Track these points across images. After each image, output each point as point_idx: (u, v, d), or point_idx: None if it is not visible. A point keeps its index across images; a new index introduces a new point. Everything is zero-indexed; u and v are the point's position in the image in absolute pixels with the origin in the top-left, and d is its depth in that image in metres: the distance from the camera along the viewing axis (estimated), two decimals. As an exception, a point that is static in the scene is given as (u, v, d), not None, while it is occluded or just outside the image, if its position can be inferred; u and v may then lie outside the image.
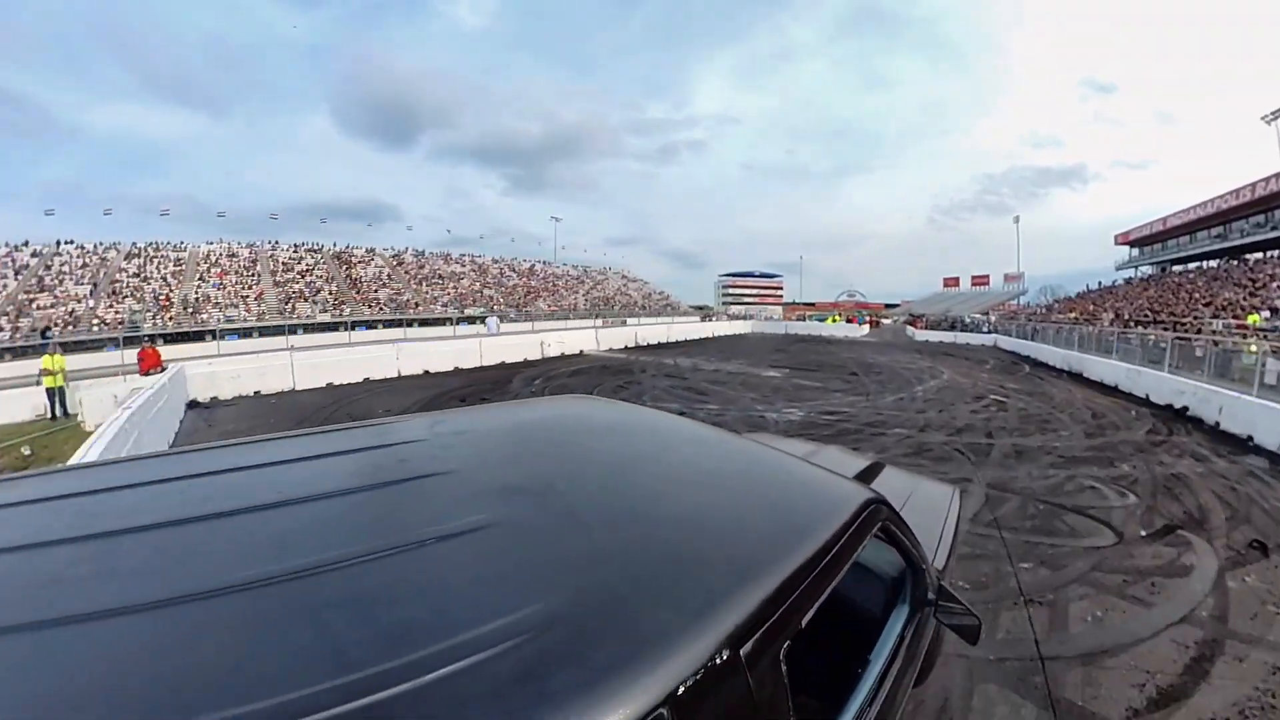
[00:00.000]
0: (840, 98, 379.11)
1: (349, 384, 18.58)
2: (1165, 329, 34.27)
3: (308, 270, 60.96)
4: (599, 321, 38.48)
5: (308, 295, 57.14)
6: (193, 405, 15.22)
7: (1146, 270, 65.75)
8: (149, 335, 30.56)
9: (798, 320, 63.42)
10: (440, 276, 66.49)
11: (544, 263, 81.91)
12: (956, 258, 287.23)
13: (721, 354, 28.13)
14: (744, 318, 60.13)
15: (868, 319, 61.76)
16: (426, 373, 20.82)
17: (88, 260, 55.29)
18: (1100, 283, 65.36)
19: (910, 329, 51.04)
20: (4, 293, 46.31)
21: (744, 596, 1.22)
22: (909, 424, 12.19)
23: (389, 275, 63.47)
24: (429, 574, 1.18)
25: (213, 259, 60.39)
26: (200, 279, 56.79)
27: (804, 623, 1.35)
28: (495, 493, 1.56)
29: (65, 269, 53.33)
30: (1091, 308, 51.79)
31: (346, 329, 32.49)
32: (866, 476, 3.70)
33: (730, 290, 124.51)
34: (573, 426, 2.42)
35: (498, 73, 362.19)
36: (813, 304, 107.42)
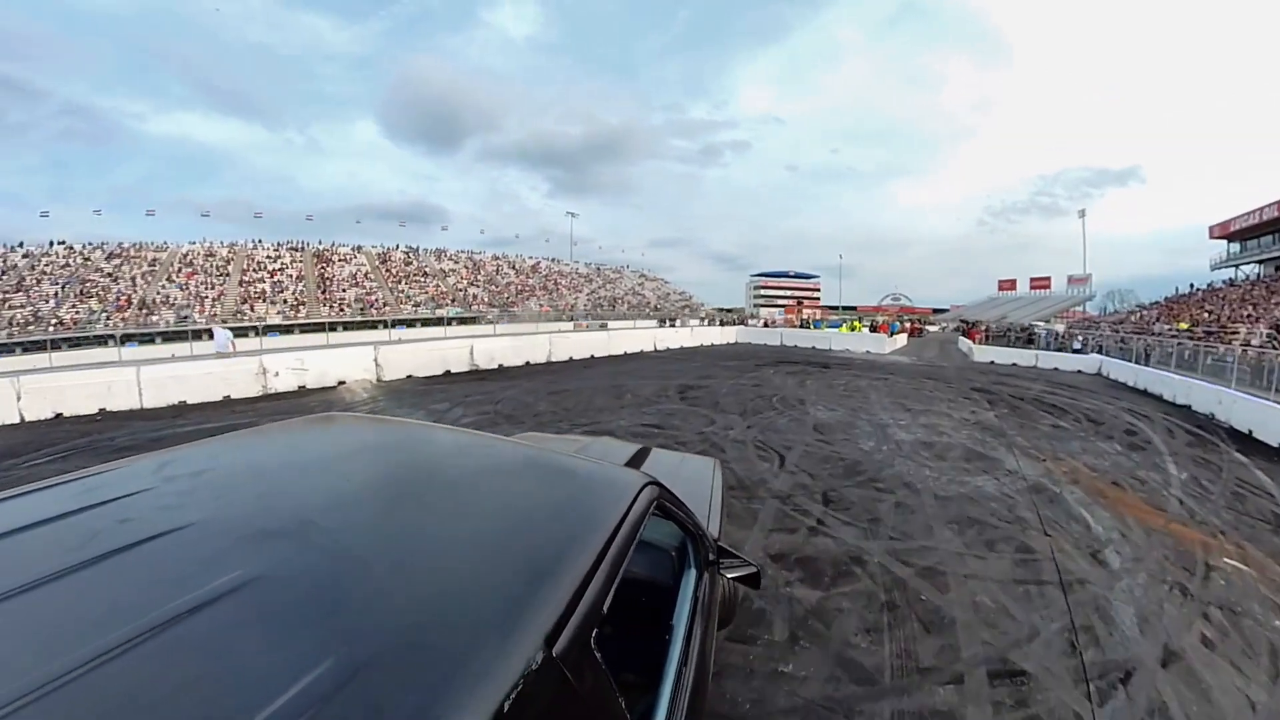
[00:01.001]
0: (886, 96, 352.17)
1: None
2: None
3: (279, 270, 50.36)
4: (391, 334, 23.58)
5: (269, 295, 46.97)
6: None
7: (1250, 269, 47.35)
8: None
9: (800, 327, 40.07)
10: (425, 274, 54.38)
11: (552, 260, 68.29)
12: (1008, 261, 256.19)
13: (549, 404, 12.32)
14: (733, 323, 41.46)
15: (904, 326, 41.77)
16: (59, 416, 11.71)
17: (71, 261, 47.98)
18: (1193, 285, 47.72)
19: (967, 342, 31.26)
20: (-19, 292, 39.86)
21: (545, 597, 1.09)
22: None
23: (366, 274, 51.95)
24: (182, 663, 0.85)
25: (190, 259, 51.17)
26: (169, 279, 47.90)
27: (605, 608, 1.22)
28: (249, 541, 1.19)
29: (48, 269, 46.31)
30: (1207, 315, 34.81)
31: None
32: (636, 461, 3.62)
33: (762, 292, 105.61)
34: (327, 452, 1.91)
35: (541, 77, 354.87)
36: (853, 307, 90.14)
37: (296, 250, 53.79)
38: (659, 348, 25.84)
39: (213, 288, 47.95)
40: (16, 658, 0.81)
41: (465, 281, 55.12)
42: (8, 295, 42.08)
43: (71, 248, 50.38)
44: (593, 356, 21.86)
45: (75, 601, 0.97)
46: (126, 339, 31.83)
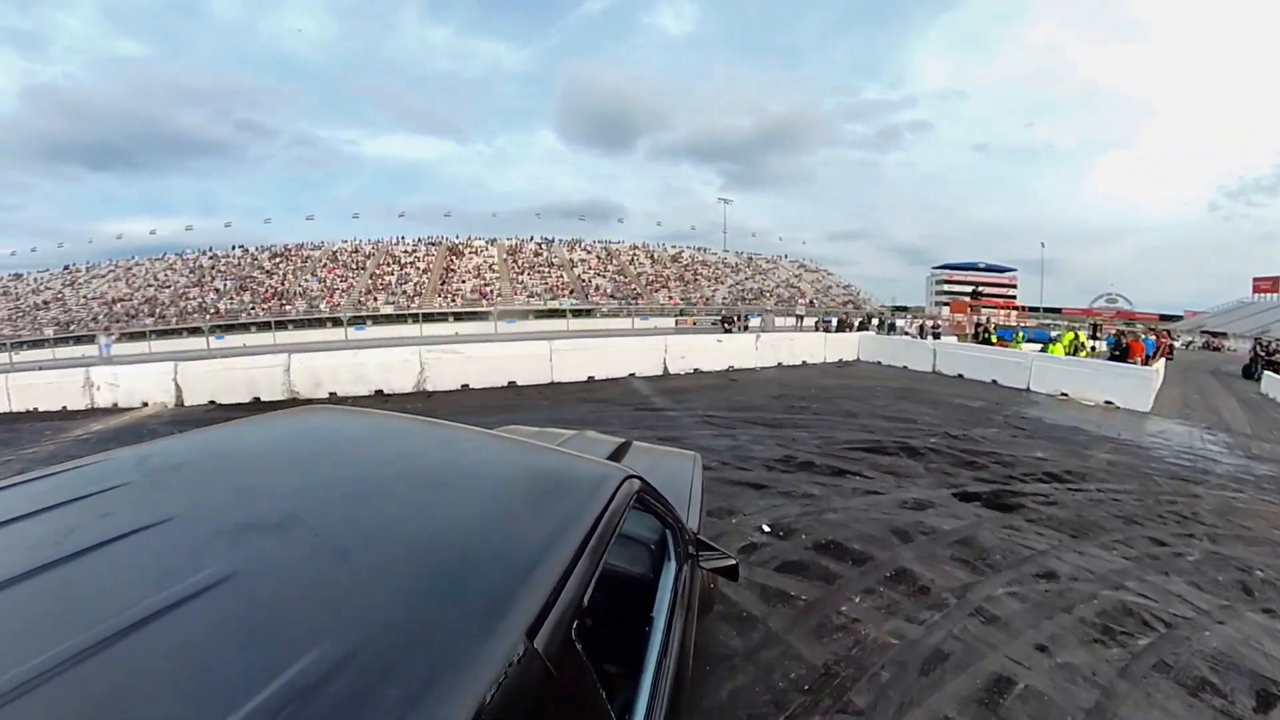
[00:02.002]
0: (1085, 53, 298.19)
1: None
2: None
3: (409, 263, 49.65)
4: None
5: (392, 287, 46.18)
6: None
7: None
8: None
9: (975, 339, 21.99)
10: (552, 265, 50.35)
11: (698, 249, 60.77)
12: (1256, 255, 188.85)
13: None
14: (848, 326, 24.95)
15: (1160, 340, 23.00)
16: None
17: (243, 261, 52.19)
18: None
19: None
20: (171, 289, 47.72)
21: (526, 590, 1.06)
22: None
23: (491, 266, 49.42)
24: (163, 659, 0.83)
25: (336, 255, 52.20)
26: (312, 273, 49.03)
27: (586, 600, 1.19)
28: (230, 535, 1.16)
29: (224, 268, 50.83)
30: None
31: None
32: (617, 456, 3.52)
33: (945, 287, 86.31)
34: (307, 445, 1.82)
35: (705, 72, 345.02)
36: (1057, 309, 71.58)
37: (434, 244, 52.69)
38: (672, 370, 14.68)
39: (344, 280, 47.60)
40: None
41: (592, 272, 49.69)
42: (186, 290, 47.04)
43: (246, 249, 53.91)
44: (511, 384, 12.74)
45: (54, 598, 0.95)
46: (16, 345, 30.03)
